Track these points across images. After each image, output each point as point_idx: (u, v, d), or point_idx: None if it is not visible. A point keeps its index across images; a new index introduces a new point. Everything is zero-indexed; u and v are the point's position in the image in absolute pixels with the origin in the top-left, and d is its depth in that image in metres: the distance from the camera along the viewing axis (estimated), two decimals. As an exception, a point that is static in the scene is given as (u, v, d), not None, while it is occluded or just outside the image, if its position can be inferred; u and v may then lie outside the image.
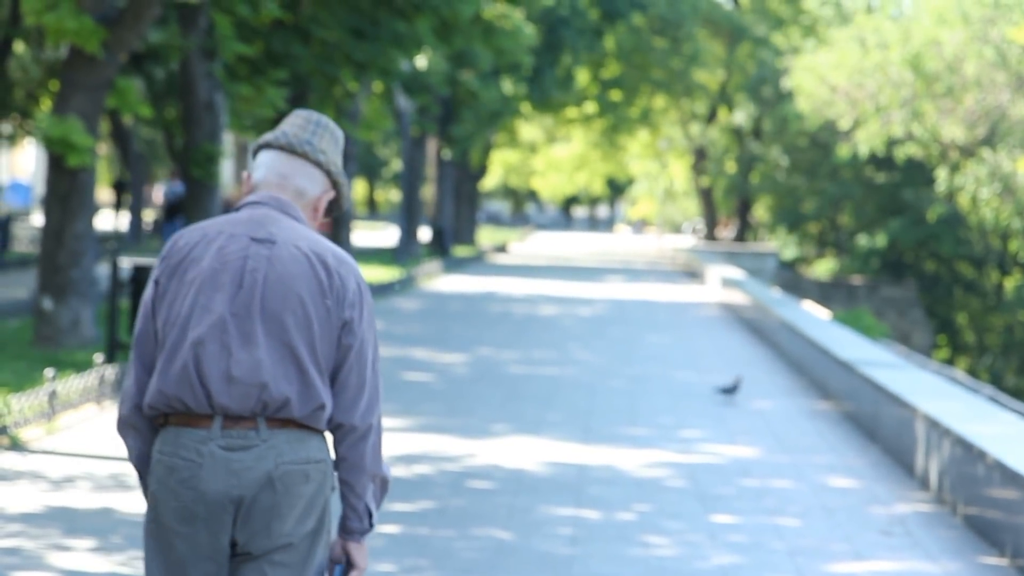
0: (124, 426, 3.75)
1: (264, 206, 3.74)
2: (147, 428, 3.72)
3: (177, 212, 28.65)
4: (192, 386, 3.60)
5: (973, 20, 37.88)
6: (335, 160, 3.84)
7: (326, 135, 3.82)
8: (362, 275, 3.76)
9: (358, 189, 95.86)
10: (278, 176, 3.78)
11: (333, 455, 3.74)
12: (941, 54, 38.49)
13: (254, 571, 3.63)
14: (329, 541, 3.73)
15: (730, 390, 14.23)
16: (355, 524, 3.73)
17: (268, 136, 3.83)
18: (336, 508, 3.91)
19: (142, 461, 3.75)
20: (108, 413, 11.85)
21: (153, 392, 3.64)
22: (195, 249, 3.68)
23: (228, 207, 35.67)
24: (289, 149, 3.79)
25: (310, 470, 3.63)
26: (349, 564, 3.74)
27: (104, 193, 69.89)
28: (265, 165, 3.80)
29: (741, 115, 58.94)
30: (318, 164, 3.80)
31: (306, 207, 3.79)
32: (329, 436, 3.75)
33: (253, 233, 3.68)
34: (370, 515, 3.74)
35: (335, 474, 3.73)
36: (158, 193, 26.55)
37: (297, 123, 3.82)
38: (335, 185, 3.84)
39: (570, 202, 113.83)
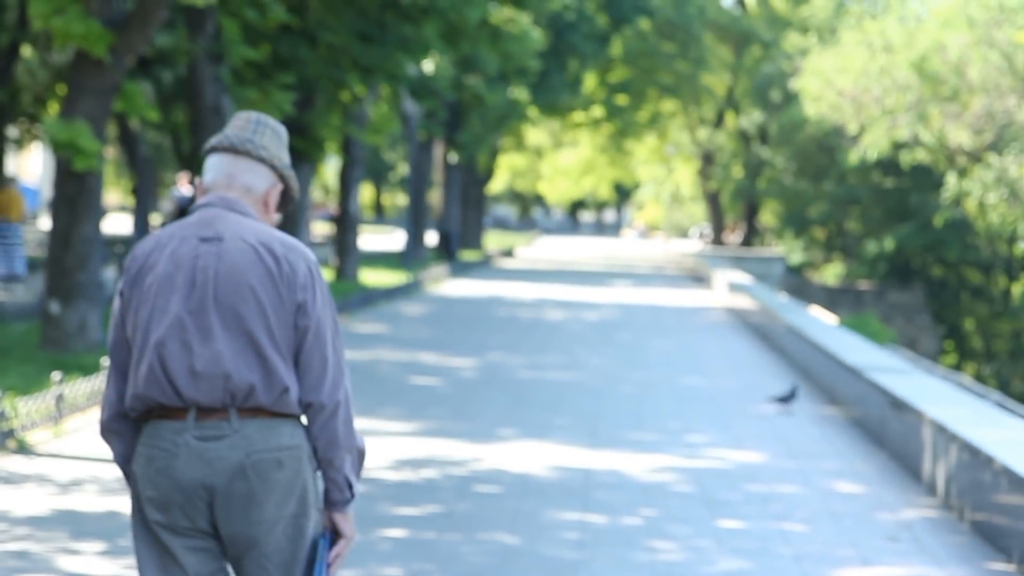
0: (106, 432, 3.97)
1: (212, 207, 3.93)
2: (129, 431, 3.93)
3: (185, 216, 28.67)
4: (160, 385, 3.79)
5: (978, 23, 37.86)
6: (279, 155, 4.00)
7: (267, 132, 3.98)
8: (314, 259, 3.91)
9: (365, 193, 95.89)
10: (225, 176, 3.96)
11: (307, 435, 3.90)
12: (946, 58, 38.48)
13: (255, 565, 3.83)
14: (319, 519, 3.90)
15: (786, 399, 13.86)
16: (337, 496, 3.91)
17: (212, 140, 4.01)
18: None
19: (126, 462, 3.96)
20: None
21: (130, 396, 3.85)
22: (150, 256, 3.88)
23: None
24: (232, 149, 3.96)
25: (282, 457, 3.79)
26: (336, 533, 3.93)
27: (119, 198, 69.80)
28: (213, 168, 3.98)
29: (747, 119, 58.92)
30: (261, 160, 3.96)
31: (256, 202, 3.97)
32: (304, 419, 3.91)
33: (201, 233, 3.87)
34: (350, 486, 3.91)
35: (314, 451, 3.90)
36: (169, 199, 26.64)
37: (238, 124, 3.99)
38: (282, 178, 4.01)
39: (577, 207, 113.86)
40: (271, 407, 3.80)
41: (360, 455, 3.93)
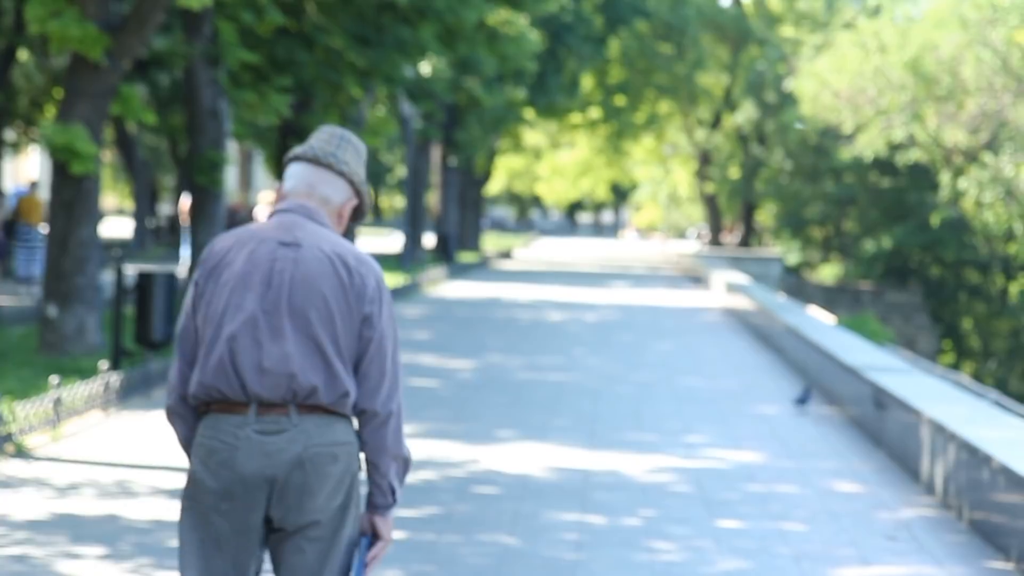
0: (171, 415, 4.13)
1: (292, 213, 4.11)
2: (191, 415, 4.09)
3: None
4: (228, 377, 3.96)
5: (971, 23, 37.87)
6: (358, 171, 4.21)
7: (349, 148, 4.19)
8: (382, 274, 4.12)
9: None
10: (306, 185, 4.16)
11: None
12: (940, 57, 38.50)
13: (292, 546, 3.99)
14: (358, 515, 4.09)
15: (803, 400, 14.13)
16: (380, 500, 4.11)
17: (297, 150, 4.20)
18: (364, 487, 4.21)
19: (189, 444, 4.12)
20: (113, 420, 11.86)
21: (195, 383, 4.01)
22: (229, 253, 4.06)
23: (232, 215, 35.79)
24: (315, 161, 4.16)
25: (337, 451, 3.99)
26: (376, 536, 4.12)
27: (117, 201, 69.88)
28: (294, 176, 4.18)
29: (742, 116, 58.92)
30: (342, 174, 4.17)
31: (331, 213, 4.17)
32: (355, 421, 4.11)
33: (281, 237, 4.05)
34: (393, 492, 4.11)
35: (361, 455, 4.09)
36: (185, 202, 26.69)
37: (323, 137, 4.19)
38: (358, 193, 4.22)
39: (574, 208, 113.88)
40: (329, 407, 3.98)
41: (406, 464, 4.11)
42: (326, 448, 3.97)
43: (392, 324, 4.10)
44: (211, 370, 3.97)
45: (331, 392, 3.97)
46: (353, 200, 4.20)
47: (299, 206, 4.12)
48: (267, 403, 3.96)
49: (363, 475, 4.10)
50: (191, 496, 4.02)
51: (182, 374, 4.07)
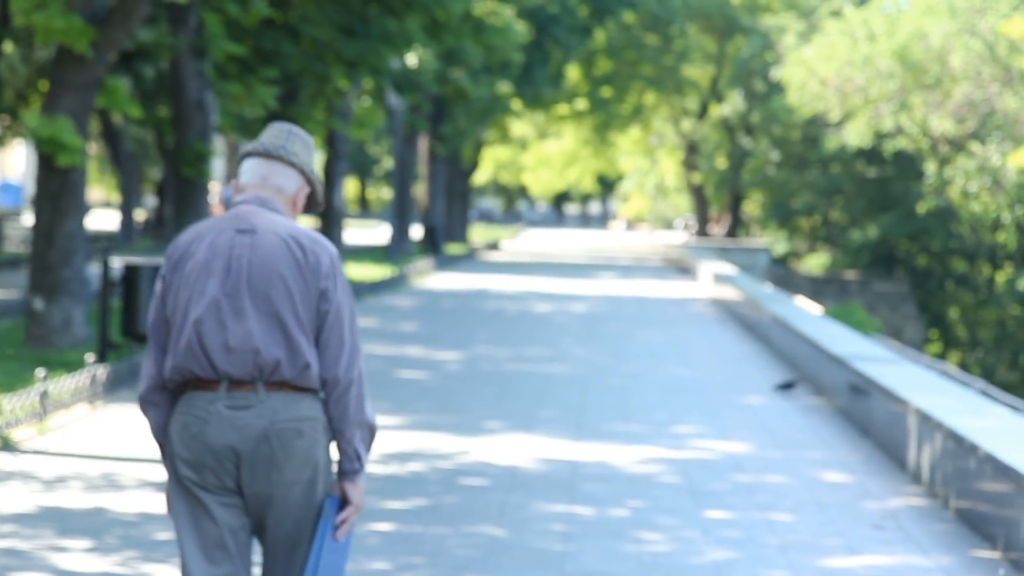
0: (144, 403, 4.41)
1: (248, 204, 4.43)
2: (165, 403, 4.39)
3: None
4: (197, 357, 4.26)
5: (960, 12, 37.91)
6: (307, 161, 4.51)
7: (298, 140, 4.50)
8: (335, 252, 4.40)
9: (349, 187, 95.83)
10: (259, 178, 4.47)
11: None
12: (928, 46, 38.52)
13: (272, 522, 4.28)
14: (329, 484, 4.36)
15: (788, 386, 14.53)
16: (347, 466, 4.37)
17: (248, 146, 4.52)
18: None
19: (162, 432, 4.40)
20: (100, 413, 11.85)
21: (169, 367, 4.32)
22: (191, 246, 4.36)
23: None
24: (266, 154, 4.48)
25: (302, 426, 4.28)
26: (345, 500, 4.36)
27: (103, 193, 69.75)
28: (248, 170, 4.50)
29: (729, 108, 58.93)
30: (292, 165, 4.48)
31: (285, 202, 4.47)
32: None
33: (237, 226, 4.36)
34: (359, 457, 4.37)
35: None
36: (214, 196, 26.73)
37: (272, 133, 4.51)
38: (309, 182, 4.52)
39: (561, 199, 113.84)
40: (294, 381, 4.27)
41: (370, 430, 4.38)
42: (291, 423, 4.25)
43: (348, 297, 4.36)
44: (181, 353, 4.27)
45: (293, 365, 4.25)
46: (305, 188, 4.50)
47: (254, 197, 4.42)
48: (237, 380, 4.25)
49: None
50: (171, 471, 4.32)
51: (156, 363, 4.36)
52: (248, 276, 4.29)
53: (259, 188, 4.46)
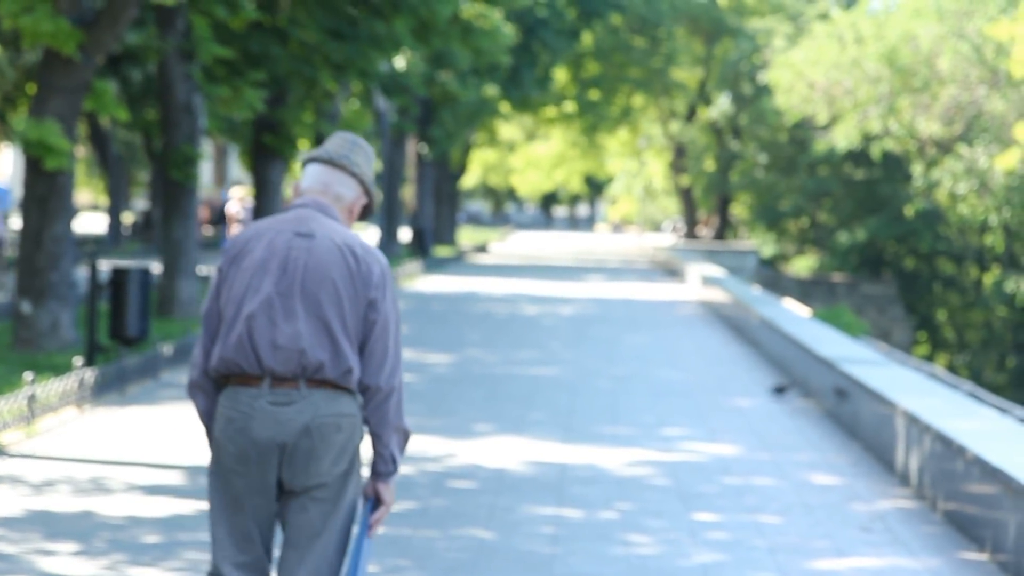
0: (193, 388, 4.60)
1: (307, 208, 4.62)
2: (212, 388, 4.58)
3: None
4: (245, 352, 4.46)
5: (948, 15, 37.98)
6: (367, 172, 4.71)
7: (361, 152, 4.70)
8: (388, 264, 4.60)
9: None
10: (321, 184, 4.67)
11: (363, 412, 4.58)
12: (916, 49, 38.58)
13: (298, 505, 4.49)
14: (360, 481, 4.58)
15: (781, 390, 14.60)
16: (382, 468, 4.60)
17: (313, 152, 4.70)
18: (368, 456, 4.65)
19: (208, 417, 4.60)
20: (88, 416, 11.82)
21: (216, 358, 4.51)
22: (250, 243, 4.55)
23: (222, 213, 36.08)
24: (330, 162, 4.67)
25: (342, 422, 4.48)
26: (378, 500, 4.60)
27: (91, 197, 69.58)
28: (310, 175, 4.69)
29: (716, 110, 58.96)
30: (354, 175, 4.68)
31: (343, 210, 4.68)
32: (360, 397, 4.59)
33: (296, 229, 4.55)
34: (394, 460, 4.60)
35: (365, 427, 4.58)
36: (232, 202, 26.82)
37: (337, 142, 4.70)
38: (367, 193, 4.73)
39: (550, 201, 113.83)
40: (335, 381, 4.47)
41: (406, 436, 4.60)
42: (331, 419, 4.46)
43: (395, 309, 4.56)
44: (231, 346, 4.46)
45: (336, 368, 4.45)
46: (363, 199, 4.71)
47: (313, 202, 4.61)
48: (280, 377, 4.44)
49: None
50: (215, 460, 4.52)
51: (206, 350, 4.55)
52: (302, 279, 4.47)
53: (320, 194, 4.63)
